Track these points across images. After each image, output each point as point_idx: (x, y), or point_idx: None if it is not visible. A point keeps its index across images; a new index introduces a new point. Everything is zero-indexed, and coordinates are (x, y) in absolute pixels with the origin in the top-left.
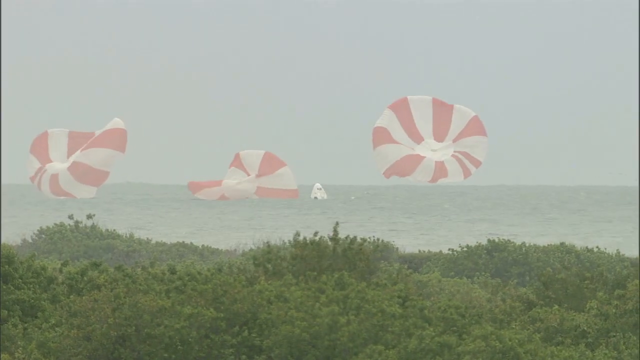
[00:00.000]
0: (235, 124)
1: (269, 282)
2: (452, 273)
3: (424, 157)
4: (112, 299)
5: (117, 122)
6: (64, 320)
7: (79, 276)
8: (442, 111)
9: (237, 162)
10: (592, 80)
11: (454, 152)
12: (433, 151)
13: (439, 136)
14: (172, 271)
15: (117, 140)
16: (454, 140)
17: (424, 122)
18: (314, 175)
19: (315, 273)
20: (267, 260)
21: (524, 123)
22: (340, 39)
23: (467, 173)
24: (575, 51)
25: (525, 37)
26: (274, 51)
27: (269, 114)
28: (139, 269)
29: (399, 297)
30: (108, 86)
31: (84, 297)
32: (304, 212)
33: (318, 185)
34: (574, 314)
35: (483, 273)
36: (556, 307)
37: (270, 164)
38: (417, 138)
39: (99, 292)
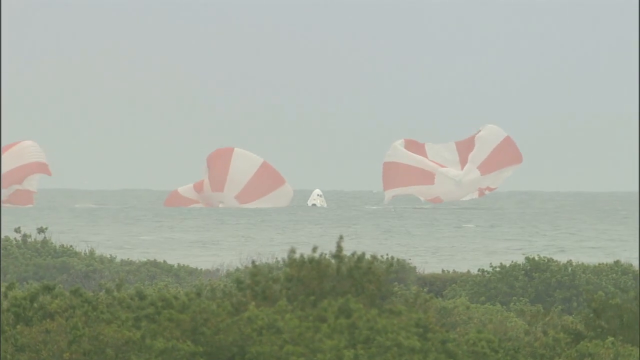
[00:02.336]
0: (235, 125)
1: (260, 308)
2: (483, 298)
3: (443, 200)
4: (68, 330)
5: (33, 153)
6: (9, 356)
7: (28, 302)
8: (466, 146)
9: (225, 163)
10: (596, 81)
11: (479, 188)
12: (457, 182)
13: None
14: (141, 296)
15: (37, 169)
16: (481, 169)
17: (448, 164)
18: (315, 181)
19: (314, 298)
20: (254, 283)
21: (528, 126)
22: (341, 40)
23: (481, 194)
24: (574, 51)
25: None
26: (275, 52)
27: (269, 116)
28: (102, 293)
29: (417, 326)
30: (101, 87)
31: (33, 328)
32: (300, 223)
33: (318, 191)
34: (631, 348)
35: (520, 298)
36: (610, 339)
37: (264, 179)
38: (431, 175)
39: (52, 321)
